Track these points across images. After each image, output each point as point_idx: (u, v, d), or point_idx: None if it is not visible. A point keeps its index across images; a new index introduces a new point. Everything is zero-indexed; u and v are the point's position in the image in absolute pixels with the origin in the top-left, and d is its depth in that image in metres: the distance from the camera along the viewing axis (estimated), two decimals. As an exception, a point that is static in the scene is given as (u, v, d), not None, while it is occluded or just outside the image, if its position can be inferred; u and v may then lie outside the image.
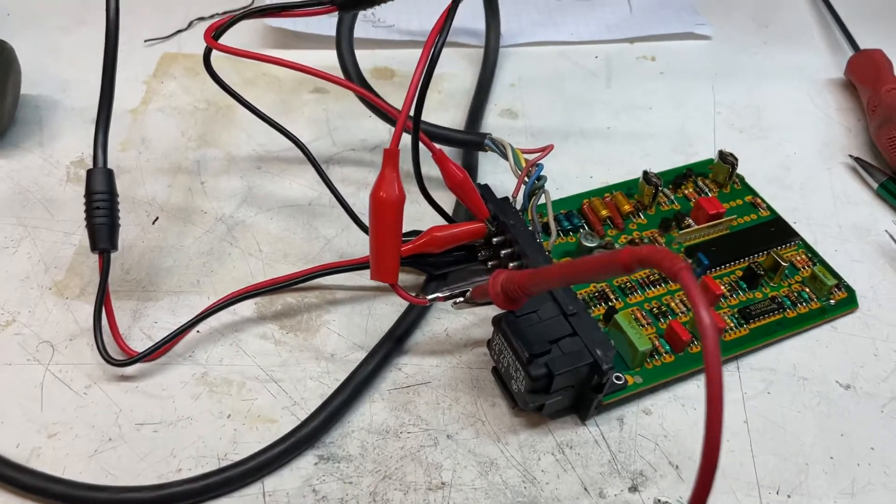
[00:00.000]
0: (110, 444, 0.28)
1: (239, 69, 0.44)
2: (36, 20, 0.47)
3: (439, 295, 0.30)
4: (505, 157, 0.35)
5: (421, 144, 0.31)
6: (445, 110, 0.43)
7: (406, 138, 0.30)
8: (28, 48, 0.43)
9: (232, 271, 0.34)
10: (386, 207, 0.28)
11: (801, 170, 0.41)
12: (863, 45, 0.47)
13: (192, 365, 0.31)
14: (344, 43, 0.38)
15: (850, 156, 0.41)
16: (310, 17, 0.31)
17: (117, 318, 0.31)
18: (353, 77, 0.38)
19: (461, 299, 0.30)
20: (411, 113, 0.29)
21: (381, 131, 0.41)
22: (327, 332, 0.32)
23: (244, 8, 0.47)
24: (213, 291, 0.33)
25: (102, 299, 0.30)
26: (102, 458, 0.28)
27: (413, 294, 0.31)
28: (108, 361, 0.29)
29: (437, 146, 0.32)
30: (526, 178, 0.33)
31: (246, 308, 0.33)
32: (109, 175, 0.31)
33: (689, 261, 0.34)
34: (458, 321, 0.33)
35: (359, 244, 0.36)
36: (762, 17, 0.52)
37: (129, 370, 0.30)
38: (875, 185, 0.39)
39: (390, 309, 0.33)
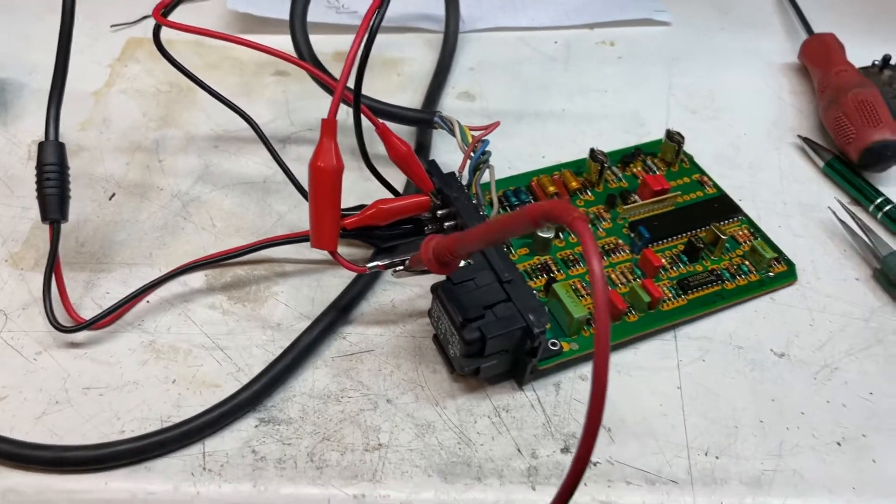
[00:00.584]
0: (57, 407, 0.29)
1: (202, 53, 0.45)
2: (9, 7, 0.48)
3: (379, 263, 0.31)
4: (452, 133, 0.35)
5: (364, 119, 0.32)
6: (404, 92, 0.44)
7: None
8: (0, 34, 0.44)
9: (185, 245, 0.35)
10: (323, 176, 0.29)
11: (751, 149, 0.42)
12: (817, 30, 0.47)
13: (141, 333, 0.32)
14: (297, 22, 0.39)
15: (799, 136, 0.42)
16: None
17: (70, 289, 0.32)
18: (305, 56, 0.39)
19: (400, 267, 0.31)
20: (352, 87, 0.30)
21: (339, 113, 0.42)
22: (275, 303, 0.33)
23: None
24: (165, 264, 0.34)
25: (52, 268, 0.31)
26: (49, 419, 0.29)
27: (355, 264, 0.32)
28: (56, 328, 0.30)
29: (382, 121, 0.33)
30: (472, 154, 0.34)
31: (196, 279, 0.34)
32: (61, 148, 0.32)
33: (587, 214, 0.35)
34: (405, 293, 0.34)
35: (312, 220, 0.37)
36: (722, 4, 0.53)
37: (79, 337, 0.31)
38: (821, 164, 0.40)
39: (338, 281, 0.34)
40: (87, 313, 0.32)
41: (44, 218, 0.31)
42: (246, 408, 0.29)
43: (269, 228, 0.36)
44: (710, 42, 0.49)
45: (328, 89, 0.38)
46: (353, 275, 0.34)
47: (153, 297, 0.33)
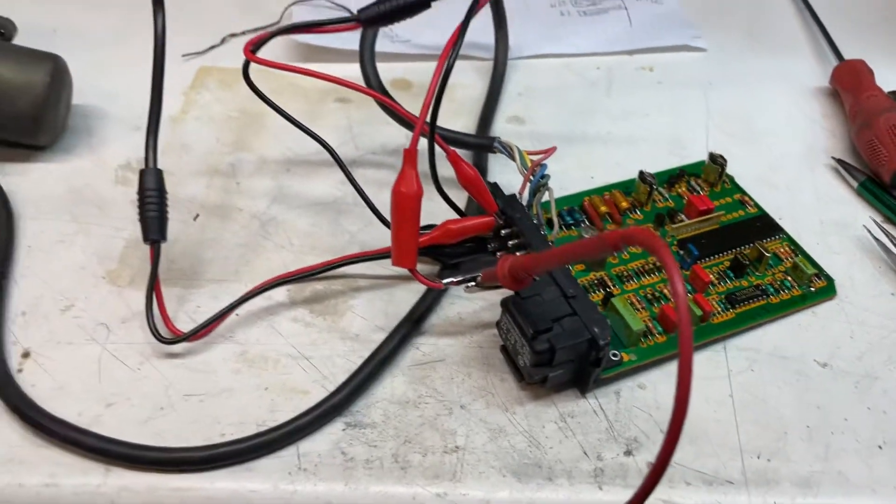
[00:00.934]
0: (161, 413, 0.32)
1: (269, 80, 0.48)
2: (80, 35, 0.51)
3: (453, 279, 0.34)
4: (512, 158, 0.38)
5: (437, 146, 0.35)
6: (458, 117, 0.47)
7: (424, 141, 0.33)
8: (74, 61, 0.47)
9: (266, 262, 0.38)
10: (405, 200, 0.32)
11: (787, 171, 0.44)
12: (847, 56, 0.50)
13: (233, 344, 0.34)
14: (366, 55, 0.42)
15: (833, 157, 0.44)
16: (336, 32, 0.35)
17: (165, 303, 0.35)
18: (374, 87, 0.42)
19: (472, 283, 0.33)
20: (428, 118, 0.33)
21: (399, 137, 0.45)
22: (352, 316, 0.36)
23: (278, 24, 0.51)
24: (250, 279, 0.37)
25: (153, 284, 0.34)
26: (155, 423, 0.31)
27: (430, 280, 0.34)
28: (158, 339, 0.33)
29: (451, 148, 0.36)
30: (531, 177, 0.37)
31: (279, 294, 0.37)
32: (159, 174, 0.35)
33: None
34: (470, 306, 0.37)
35: (380, 238, 0.39)
36: (755, 30, 0.55)
37: (176, 348, 0.34)
38: (855, 185, 0.43)
39: (409, 295, 0.37)
40: (182, 326, 0.34)
41: (145, 238, 0.34)
42: (334, 412, 0.32)
43: (342, 246, 0.39)
44: (744, 67, 0.52)
45: (396, 116, 0.41)
46: (422, 289, 0.36)
47: (241, 310, 0.36)
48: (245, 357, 0.34)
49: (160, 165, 0.42)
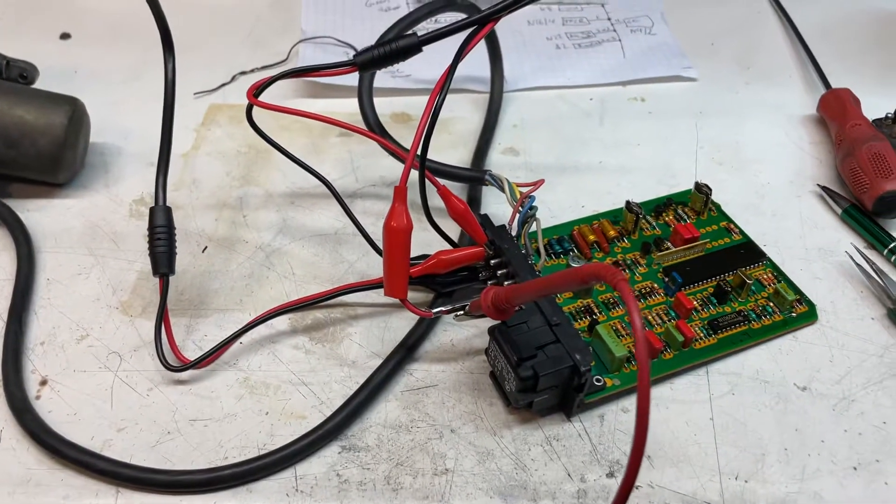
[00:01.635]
0: (169, 437, 0.34)
1: (276, 117, 0.50)
2: (99, 76, 0.54)
3: (443, 309, 0.36)
4: (502, 190, 0.40)
5: (428, 181, 0.37)
6: (455, 149, 0.49)
7: (416, 175, 0.35)
8: (93, 101, 0.50)
9: (269, 291, 0.40)
10: (395, 235, 0.34)
11: (774, 198, 0.46)
12: (835, 85, 0.51)
13: (236, 371, 0.36)
14: (364, 96, 0.44)
15: (819, 185, 0.46)
16: (333, 77, 0.37)
17: (173, 332, 0.37)
18: (372, 124, 0.44)
19: (461, 312, 0.35)
20: (419, 152, 0.35)
21: (397, 169, 0.47)
22: (350, 343, 0.38)
23: (280, 66, 0.53)
24: (254, 309, 0.39)
25: (162, 315, 0.36)
26: (163, 447, 0.33)
27: (421, 309, 0.36)
28: (166, 367, 0.35)
29: (442, 182, 0.38)
30: (520, 208, 0.38)
31: (281, 322, 0.39)
32: (168, 211, 0.37)
33: (625, 261, 0.38)
34: (462, 333, 0.38)
35: (377, 267, 0.41)
36: (745, 60, 0.57)
37: (183, 375, 0.36)
38: (839, 211, 0.44)
39: (404, 323, 0.39)
40: (189, 354, 0.37)
41: (155, 272, 0.36)
42: (330, 437, 0.34)
43: (341, 276, 0.41)
44: (735, 96, 0.53)
45: (391, 152, 0.43)
46: (416, 316, 0.38)
47: (245, 338, 0.38)
48: (247, 383, 0.36)
49: (172, 201, 0.45)
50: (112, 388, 0.36)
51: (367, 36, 0.57)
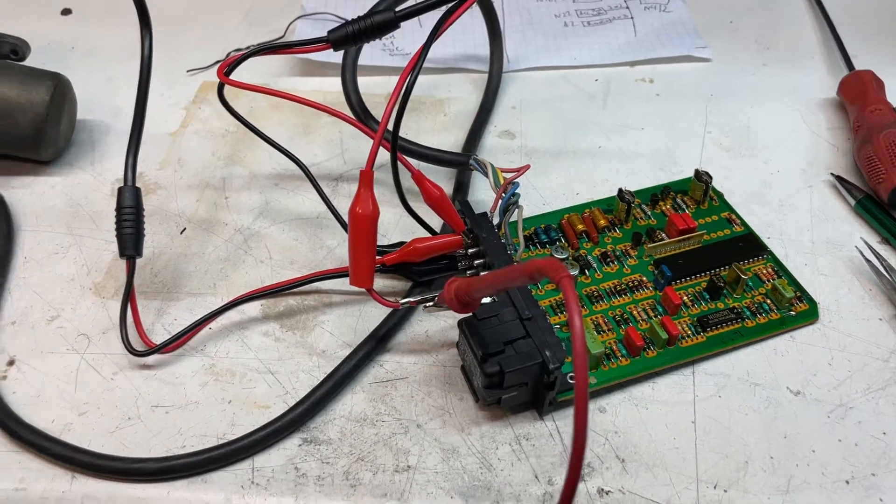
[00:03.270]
0: (129, 423, 0.33)
1: (266, 96, 0.49)
2: (95, 53, 0.53)
3: (411, 299, 0.34)
4: (486, 175, 0.38)
5: (401, 165, 0.35)
6: (449, 131, 0.47)
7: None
8: (88, 78, 0.50)
9: (244, 276, 0.39)
10: (360, 222, 0.32)
11: (783, 187, 0.43)
12: (861, 66, 0.48)
13: (203, 357, 0.36)
14: (348, 74, 0.42)
15: (832, 174, 0.43)
16: (306, 53, 0.35)
17: (143, 315, 0.36)
18: (354, 104, 0.42)
19: (430, 304, 0.34)
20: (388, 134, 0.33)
21: (386, 152, 0.45)
22: (321, 332, 0.37)
23: (282, 38, 0.52)
24: (227, 293, 0.38)
25: (128, 298, 0.35)
26: (122, 433, 0.33)
27: (391, 299, 0.35)
28: (130, 352, 0.34)
29: (424, 166, 0.36)
30: (503, 195, 0.37)
31: (253, 308, 0.37)
32: (137, 192, 0.36)
33: (575, 272, 0.36)
34: (438, 324, 0.37)
35: (358, 254, 0.40)
36: (766, 40, 0.54)
37: (149, 360, 0.35)
38: (853, 203, 0.41)
39: (378, 312, 0.37)
40: (158, 338, 0.36)
41: (121, 254, 0.36)
42: (291, 428, 0.33)
43: (319, 261, 0.40)
44: (750, 78, 0.50)
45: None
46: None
47: (215, 324, 0.37)
48: (213, 370, 0.35)
49: (157, 180, 0.44)
50: (77, 370, 0.35)
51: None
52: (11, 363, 0.35)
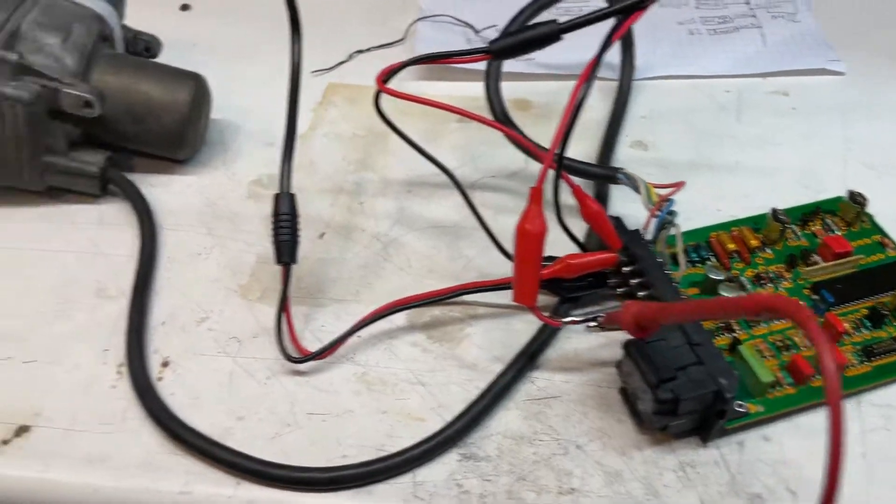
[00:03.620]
0: (287, 430, 0.33)
1: (394, 100, 0.49)
2: (217, 50, 0.53)
3: (575, 319, 0.34)
4: (637, 191, 0.37)
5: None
6: (579, 141, 0.46)
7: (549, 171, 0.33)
8: (211, 75, 0.50)
9: (386, 284, 0.39)
10: (530, 239, 0.32)
11: (936, 210, 0.41)
12: None
13: (354, 365, 0.36)
14: (492, 84, 0.42)
15: None
16: (466, 63, 0.35)
17: (293, 322, 0.36)
18: (498, 115, 0.42)
19: (594, 324, 0.33)
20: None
21: (519, 159, 0.45)
22: (469, 344, 0.36)
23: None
24: (371, 301, 0.38)
25: (283, 305, 0.35)
26: (281, 440, 0.33)
27: (548, 315, 0.34)
28: (287, 359, 0.35)
29: (576, 183, 0.36)
30: (658, 212, 0.36)
31: (399, 318, 0.37)
32: (292, 199, 0.36)
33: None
34: (587, 342, 0.36)
35: (496, 263, 0.39)
36: (899, 52, 0.52)
37: (302, 367, 0.35)
38: None
39: (525, 326, 0.37)
40: (307, 343, 0.36)
41: (277, 260, 0.36)
42: (450, 443, 0.32)
43: (459, 271, 0.40)
44: (888, 93, 0.49)
45: (520, 147, 0.41)
46: (539, 321, 0.36)
47: (363, 332, 0.37)
48: (365, 379, 0.35)
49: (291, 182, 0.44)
50: (231, 374, 0.35)
51: (484, 16, 0.55)
52: (166, 364, 0.36)
